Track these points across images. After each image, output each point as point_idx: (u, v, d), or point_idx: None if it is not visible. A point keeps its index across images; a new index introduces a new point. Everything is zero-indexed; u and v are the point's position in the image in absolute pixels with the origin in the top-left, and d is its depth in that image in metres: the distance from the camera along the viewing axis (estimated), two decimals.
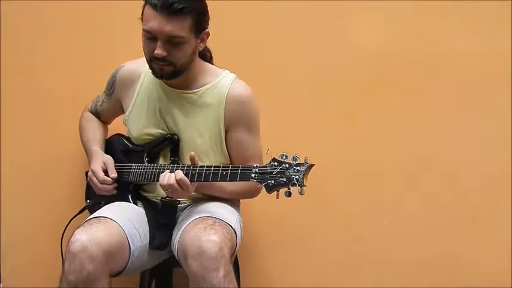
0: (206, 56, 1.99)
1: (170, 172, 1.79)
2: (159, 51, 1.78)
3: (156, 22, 1.76)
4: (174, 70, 1.83)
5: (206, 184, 1.84)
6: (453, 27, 2.31)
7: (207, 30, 1.86)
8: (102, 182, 1.94)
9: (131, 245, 1.78)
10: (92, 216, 1.81)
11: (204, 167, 1.76)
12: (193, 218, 1.81)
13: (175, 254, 1.83)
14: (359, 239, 2.34)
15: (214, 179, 1.75)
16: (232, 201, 2.02)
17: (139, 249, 1.81)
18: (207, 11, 1.85)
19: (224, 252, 1.68)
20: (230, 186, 1.91)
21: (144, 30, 1.80)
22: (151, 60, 1.83)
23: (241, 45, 2.28)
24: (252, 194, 1.98)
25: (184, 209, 1.97)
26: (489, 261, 2.32)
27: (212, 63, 2.00)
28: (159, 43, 1.78)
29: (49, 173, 2.32)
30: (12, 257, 2.30)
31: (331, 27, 2.31)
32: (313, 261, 2.35)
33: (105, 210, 1.86)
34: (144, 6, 1.80)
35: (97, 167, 1.96)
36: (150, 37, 1.79)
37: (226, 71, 1.96)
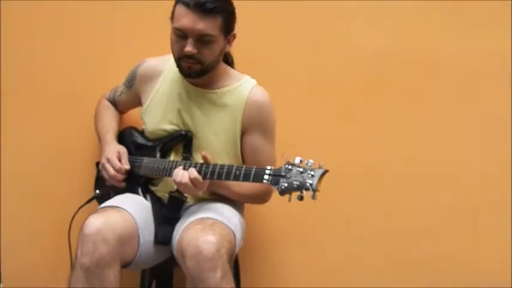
0: (228, 60, 2.01)
1: (184, 169, 1.80)
2: (189, 49, 1.81)
3: (188, 20, 1.79)
4: (202, 69, 1.86)
5: (218, 183, 1.86)
6: (453, 27, 2.31)
7: (234, 32, 1.90)
8: (118, 171, 1.95)
9: (140, 237, 1.80)
10: (106, 204, 1.84)
11: (217, 165, 1.77)
12: (194, 219, 1.82)
13: (175, 253, 1.83)
14: (359, 239, 2.34)
15: (227, 178, 1.76)
16: (236, 202, 2.03)
17: (147, 243, 1.83)
18: (235, 11, 1.89)
19: (222, 253, 1.68)
20: (240, 188, 1.92)
21: (175, 28, 1.83)
22: (181, 58, 1.85)
23: (241, 45, 2.27)
24: (261, 199, 1.99)
25: (188, 208, 1.97)
26: (489, 261, 2.32)
27: (233, 62, 2.03)
28: (190, 40, 1.81)
29: (49, 173, 2.32)
30: (12, 257, 2.30)
31: (331, 27, 2.31)
32: (313, 261, 2.35)
33: (118, 200, 1.87)
34: (175, 5, 1.83)
35: (112, 155, 1.97)
36: (181, 35, 1.82)
37: (247, 76, 1.99)
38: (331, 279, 2.33)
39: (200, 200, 1.98)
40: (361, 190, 2.33)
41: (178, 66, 1.88)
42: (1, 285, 2.29)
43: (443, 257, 2.33)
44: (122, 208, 1.81)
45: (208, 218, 1.80)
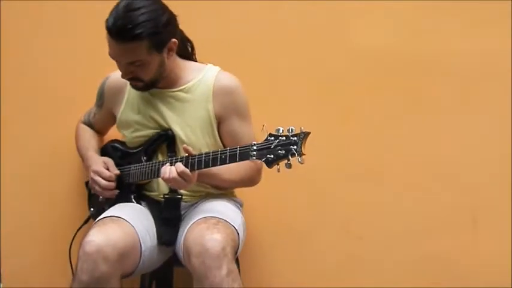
0: (187, 49, 1.99)
1: (170, 165, 1.79)
2: (123, 75, 1.83)
3: (113, 50, 1.78)
4: (146, 85, 1.87)
5: (207, 174, 1.85)
6: (453, 27, 2.31)
7: (172, 40, 1.84)
8: (109, 179, 1.94)
9: (142, 245, 1.79)
10: (104, 215, 1.82)
11: (202, 154, 1.77)
12: (197, 218, 1.82)
13: (180, 254, 1.83)
14: (359, 238, 2.34)
15: (215, 164, 1.75)
16: (236, 202, 2.04)
17: (150, 249, 1.82)
18: (168, 23, 1.81)
19: (227, 251, 1.69)
20: (230, 175, 1.92)
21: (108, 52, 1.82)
22: (124, 78, 1.87)
23: (242, 45, 2.28)
24: (252, 181, 1.99)
25: (189, 207, 1.98)
26: (489, 261, 2.32)
27: (194, 55, 2.01)
28: (122, 67, 1.82)
29: (50, 173, 2.32)
30: (12, 257, 2.30)
31: (331, 27, 2.31)
32: (313, 261, 2.35)
33: (116, 210, 1.86)
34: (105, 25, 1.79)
35: (99, 167, 1.97)
36: (114, 60, 1.82)
37: (209, 64, 1.97)
38: (331, 279, 2.33)
39: (200, 198, 1.99)
40: (361, 190, 2.32)
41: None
42: (1, 285, 2.29)
43: (443, 257, 2.32)
44: (121, 218, 1.79)
45: (212, 217, 1.81)
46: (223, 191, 2.03)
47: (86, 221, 2.09)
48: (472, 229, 2.34)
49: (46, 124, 2.31)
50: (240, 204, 2.06)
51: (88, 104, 2.18)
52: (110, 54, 1.81)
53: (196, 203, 1.99)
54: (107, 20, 1.76)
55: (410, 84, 2.31)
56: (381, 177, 2.33)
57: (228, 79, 1.93)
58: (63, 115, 2.29)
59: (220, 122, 1.93)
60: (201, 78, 1.93)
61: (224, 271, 1.66)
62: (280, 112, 2.26)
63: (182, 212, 1.94)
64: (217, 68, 1.95)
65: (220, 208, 1.91)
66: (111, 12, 1.76)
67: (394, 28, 2.31)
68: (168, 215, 1.90)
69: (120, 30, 1.73)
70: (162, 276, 2.12)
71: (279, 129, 1.67)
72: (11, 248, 2.31)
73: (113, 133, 2.15)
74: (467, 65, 2.30)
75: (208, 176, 1.88)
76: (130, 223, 1.79)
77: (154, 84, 1.88)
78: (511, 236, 2.31)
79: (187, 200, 1.97)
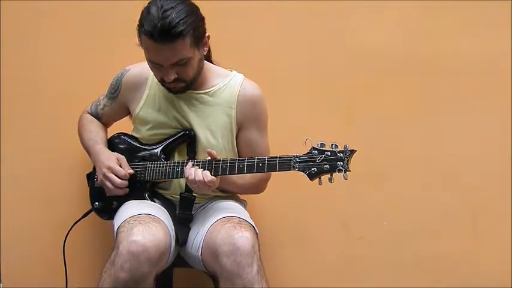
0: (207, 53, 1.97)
1: (196, 166, 1.78)
2: (169, 77, 1.78)
3: (158, 53, 1.74)
4: (187, 84, 1.84)
5: (224, 179, 1.84)
6: (453, 27, 2.31)
7: (206, 35, 1.84)
8: (123, 178, 1.89)
9: (172, 245, 1.78)
10: (142, 212, 1.78)
11: (236, 159, 1.77)
12: (218, 218, 1.81)
13: (194, 254, 1.82)
14: (359, 238, 2.34)
15: (250, 171, 1.75)
16: (241, 202, 2.04)
17: (173, 249, 1.81)
18: (201, 17, 1.81)
19: (255, 248, 1.71)
20: (244, 181, 1.92)
21: (148, 59, 1.79)
22: (163, 82, 1.83)
23: (243, 45, 2.28)
24: (261, 188, 2.00)
25: (198, 209, 1.97)
26: (489, 261, 2.32)
27: (210, 56, 1.99)
28: (166, 70, 1.77)
29: (49, 173, 2.31)
30: (12, 257, 2.30)
31: (331, 27, 2.31)
32: (312, 261, 2.35)
33: (148, 208, 1.82)
34: (140, 33, 1.76)
35: (113, 163, 1.91)
36: (156, 65, 1.79)
37: (234, 71, 1.97)
38: (331, 279, 2.33)
39: (210, 199, 1.98)
40: (361, 190, 2.32)
41: (164, 86, 1.86)
42: (1, 285, 2.29)
43: (443, 257, 2.33)
44: (158, 217, 1.77)
45: (234, 217, 1.80)
46: (229, 194, 2.02)
47: (85, 215, 2.05)
48: (472, 229, 2.34)
49: (46, 124, 2.31)
50: (244, 205, 2.06)
51: (88, 104, 2.17)
52: (151, 61, 1.78)
53: (203, 204, 1.99)
54: (144, 27, 1.71)
55: (410, 84, 2.31)
56: (381, 177, 2.33)
57: (253, 88, 1.93)
58: (63, 115, 2.28)
59: (240, 129, 1.93)
60: (226, 83, 1.93)
61: (255, 268, 1.68)
62: (280, 112, 2.26)
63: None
64: (242, 76, 1.95)
65: (235, 208, 1.91)
66: (144, 18, 1.72)
67: (394, 28, 2.31)
68: (183, 215, 1.89)
69: (164, 31, 1.69)
70: (162, 277, 2.12)
71: (321, 144, 1.68)
72: (11, 248, 2.30)
73: (115, 126, 2.14)
74: (467, 65, 2.31)
75: (225, 182, 1.87)
76: (166, 223, 1.77)
77: (194, 82, 1.86)
78: (511, 236, 2.31)
79: (197, 202, 1.95)
